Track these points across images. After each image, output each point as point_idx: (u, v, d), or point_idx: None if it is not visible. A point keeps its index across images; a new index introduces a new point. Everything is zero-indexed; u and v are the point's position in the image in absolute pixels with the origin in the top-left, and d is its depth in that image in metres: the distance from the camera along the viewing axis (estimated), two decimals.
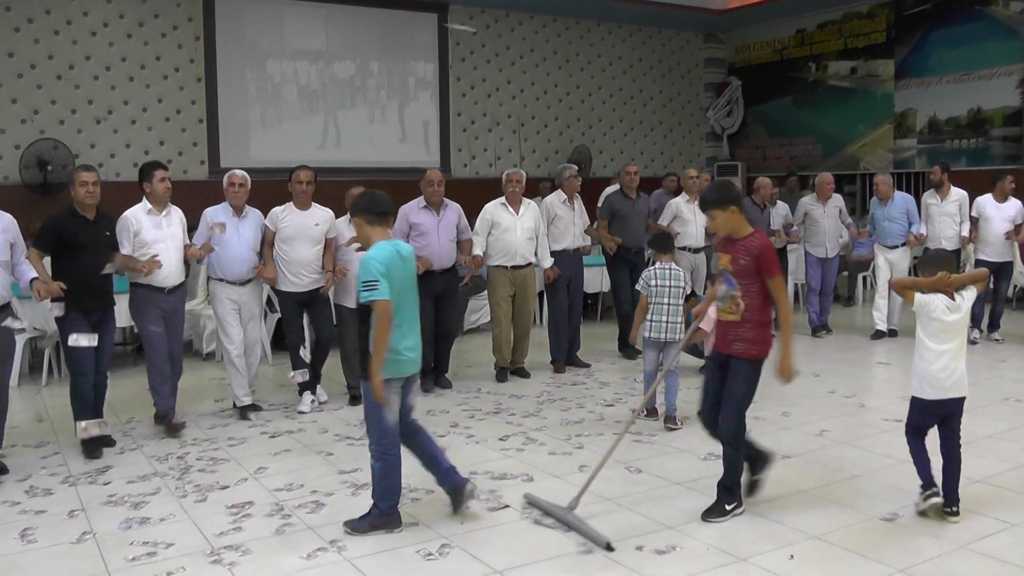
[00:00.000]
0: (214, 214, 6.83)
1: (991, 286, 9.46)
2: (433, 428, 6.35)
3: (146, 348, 6.47)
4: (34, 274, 5.73)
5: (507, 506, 4.80)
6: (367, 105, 14.29)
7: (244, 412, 6.91)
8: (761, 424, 6.36)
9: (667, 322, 6.44)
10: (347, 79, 14.13)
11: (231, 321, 6.87)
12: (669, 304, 6.45)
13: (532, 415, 6.77)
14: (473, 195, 8.42)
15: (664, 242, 6.84)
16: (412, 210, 7.72)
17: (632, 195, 9.03)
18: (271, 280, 7.04)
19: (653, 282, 6.49)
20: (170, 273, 6.37)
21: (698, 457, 5.64)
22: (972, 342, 9.24)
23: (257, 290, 7.06)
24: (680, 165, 17.08)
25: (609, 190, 9.89)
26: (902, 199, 9.78)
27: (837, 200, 10.26)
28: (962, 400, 4.73)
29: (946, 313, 4.61)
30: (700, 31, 17.39)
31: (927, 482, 4.68)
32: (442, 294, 7.72)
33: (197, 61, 12.98)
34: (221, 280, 6.86)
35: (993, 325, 9.60)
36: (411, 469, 5.45)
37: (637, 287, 6.72)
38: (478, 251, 7.92)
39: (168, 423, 6.41)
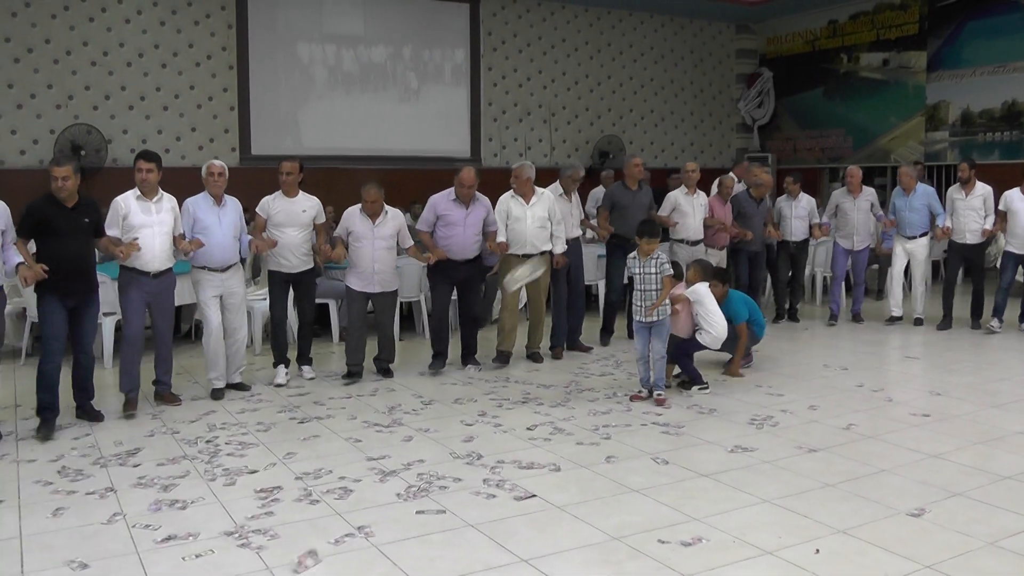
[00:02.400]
0: (194, 203, 7.04)
1: (1021, 278, 9.44)
2: (461, 417, 6.42)
3: (124, 328, 6.81)
4: (19, 259, 6.00)
5: (534, 495, 4.81)
6: (398, 93, 14.32)
7: (216, 394, 7.15)
8: (788, 417, 6.36)
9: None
10: (378, 67, 14.16)
11: (212, 309, 7.08)
12: None
13: (560, 405, 6.78)
14: (503, 185, 8.43)
15: (650, 230, 7.09)
16: (441, 201, 7.94)
17: (633, 186, 9.07)
18: (273, 243, 7.39)
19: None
20: (154, 258, 6.61)
21: (725, 449, 5.63)
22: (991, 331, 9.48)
23: (239, 275, 7.29)
24: (711, 156, 17.07)
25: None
26: (924, 191, 9.92)
27: (869, 194, 10.30)
28: None
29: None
30: (732, 22, 17.29)
31: (699, 379, 7.15)
32: (464, 282, 8.08)
33: (229, 49, 13.06)
34: (204, 268, 7.05)
35: (1023, 316, 9.58)
36: (439, 457, 5.49)
37: (671, 274, 6.83)
38: (502, 239, 8.06)
39: (127, 400, 6.65)
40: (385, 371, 7.84)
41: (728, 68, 17.55)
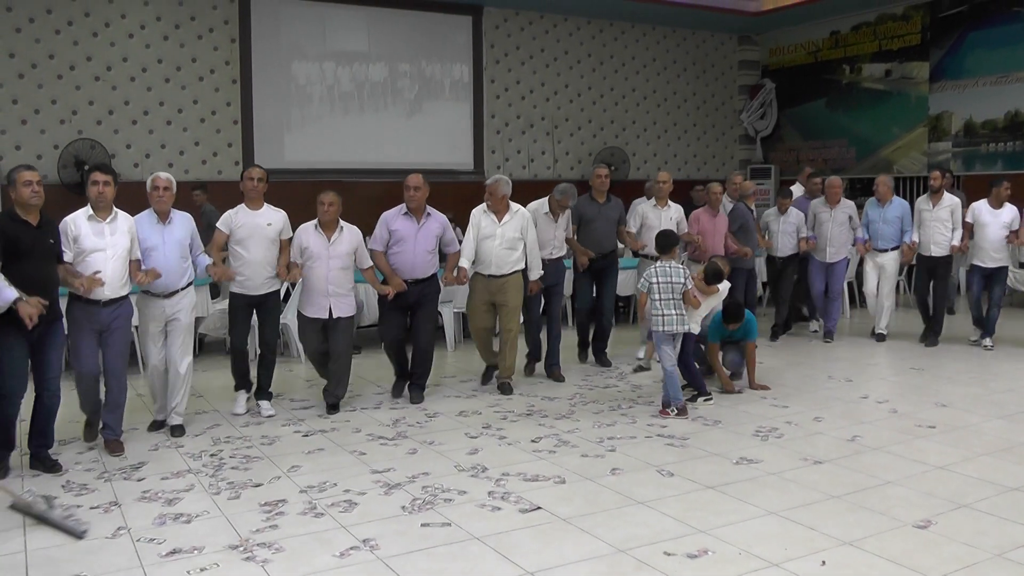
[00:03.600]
0: (138, 221, 6.23)
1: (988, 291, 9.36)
2: (465, 429, 6.42)
3: (76, 367, 5.94)
4: (15, 293, 5.16)
5: (539, 508, 4.81)
6: (401, 107, 14.35)
7: (153, 426, 6.57)
8: (793, 429, 6.35)
9: (676, 314, 6.81)
10: (381, 81, 14.19)
11: (152, 343, 6.35)
12: (673, 299, 6.81)
13: (564, 417, 6.78)
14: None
15: (663, 242, 7.11)
16: (393, 216, 7.35)
17: (600, 199, 8.53)
18: (231, 276, 6.77)
19: (654, 279, 6.81)
20: (106, 286, 5.79)
21: (730, 461, 5.62)
22: (987, 348, 9.33)
23: (187, 301, 6.44)
24: (714, 168, 17.08)
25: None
26: (899, 203, 9.70)
27: (848, 206, 10.00)
28: None
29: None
30: (734, 33, 17.32)
31: (703, 389, 7.16)
32: (416, 304, 7.38)
33: (232, 63, 13.09)
34: (147, 293, 6.26)
35: (989, 331, 9.41)
36: (444, 469, 5.49)
37: (639, 285, 6.93)
38: (464, 262, 7.49)
39: (107, 441, 6.07)
40: (333, 406, 7.07)
41: (731, 79, 17.57)
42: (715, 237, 9.03)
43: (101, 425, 6.10)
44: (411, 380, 7.49)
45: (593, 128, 16.02)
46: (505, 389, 7.69)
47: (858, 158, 15.79)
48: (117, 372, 6.06)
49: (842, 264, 10.08)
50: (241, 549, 4.31)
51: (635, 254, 9.54)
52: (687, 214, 9.12)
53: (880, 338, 9.84)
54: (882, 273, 9.74)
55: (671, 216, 8.83)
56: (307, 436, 6.37)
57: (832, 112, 16.38)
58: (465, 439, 6.21)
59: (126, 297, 6.05)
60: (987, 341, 9.37)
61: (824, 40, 16.40)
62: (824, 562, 4.08)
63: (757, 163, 17.30)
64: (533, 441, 6.12)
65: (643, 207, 8.99)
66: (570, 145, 15.79)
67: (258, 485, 5.27)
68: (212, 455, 5.92)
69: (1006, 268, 9.42)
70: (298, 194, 10.73)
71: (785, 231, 9.93)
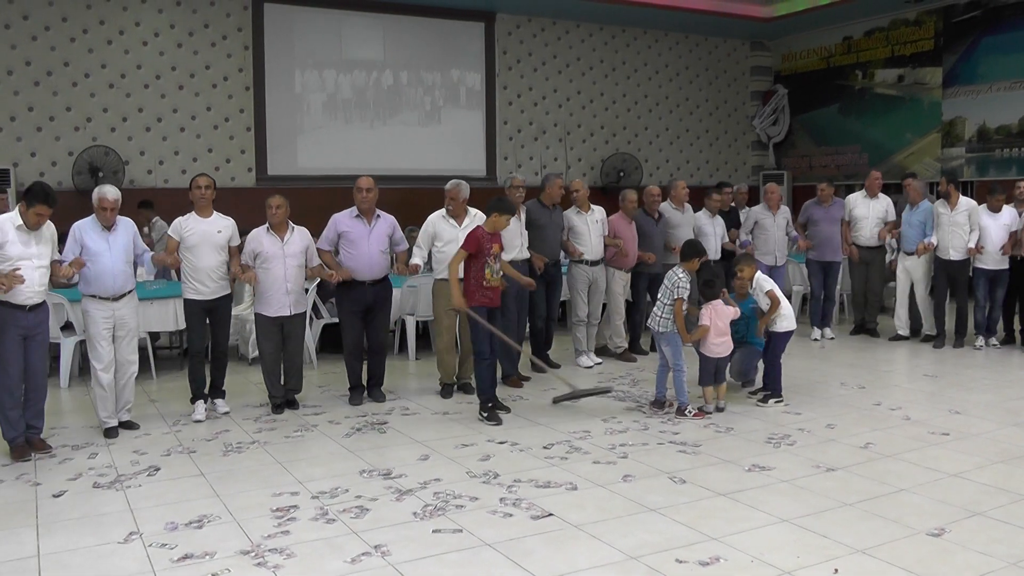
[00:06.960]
0: (82, 228, 6.49)
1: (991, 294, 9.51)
2: (476, 435, 6.40)
3: None
4: None
5: (551, 514, 4.80)
6: (414, 113, 14.38)
7: (109, 433, 6.57)
8: (806, 436, 6.32)
9: (661, 317, 7.08)
10: (394, 88, 14.23)
11: (102, 341, 6.49)
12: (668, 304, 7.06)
13: (576, 423, 6.76)
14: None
15: (687, 250, 7.26)
16: (343, 219, 7.55)
17: (550, 206, 8.55)
18: (176, 262, 6.95)
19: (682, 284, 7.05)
20: (34, 293, 5.97)
21: (742, 468, 5.60)
22: (995, 346, 9.57)
23: (133, 304, 6.70)
24: (726, 174, 17.05)
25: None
26: (925, 207, 9.78)
27: (786, 211, 10.29)
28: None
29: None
30: (746, 39, 17.31)
31: (779, 391, 7.32)
32: (372, 306, 7.52)
33: (246, 70, 13.15)
34: (94, 296, 6.47)
35: (991, 330, 9.63)
36: (456, 476, 5.48)
37: (678, 295, 6.98)
38: (417, 261, 7.68)
39: (12, 448, 6.02)
40: (291, 402, 7.38)
41: (743, 85, 17.55)
42: (632, 242, 9.01)
43: (24, 428, 6.07)
44: (371, 383, 7.66)
45: (605, 134, 16.03)
46: (468, 389, 7.78)
47: (871, 164, 15.69)
48: (39, 375, 6.19)
49: (783, 269, 10.31)
50: (252, 555, 4.31)
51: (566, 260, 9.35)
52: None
53: (927, 338, 9.95)
54: (912, 277, 9.87)
55: (596, 219, 8.83)
56: (318, 442, 6.37)
57: (845, 118, 16.35)
58: (477, 445, 6.21)
59: (44, 301, 6.20)
60: (993, 340, 9.59)
61: (837, 46, 16.38)
62: (837, 570, 4.06)
63: (770, 169, 17.27)
64: (545, 447, 6.11)
65: (569, 215, 8.81)
66: (582, 151, 15.80)
67: (269, 490, 5.27)
68: (224, 455, 5.95)
69: (1007, 270, 9.49)
70: (311, 201, 10.77)
71: (719, 234, 9.95)
